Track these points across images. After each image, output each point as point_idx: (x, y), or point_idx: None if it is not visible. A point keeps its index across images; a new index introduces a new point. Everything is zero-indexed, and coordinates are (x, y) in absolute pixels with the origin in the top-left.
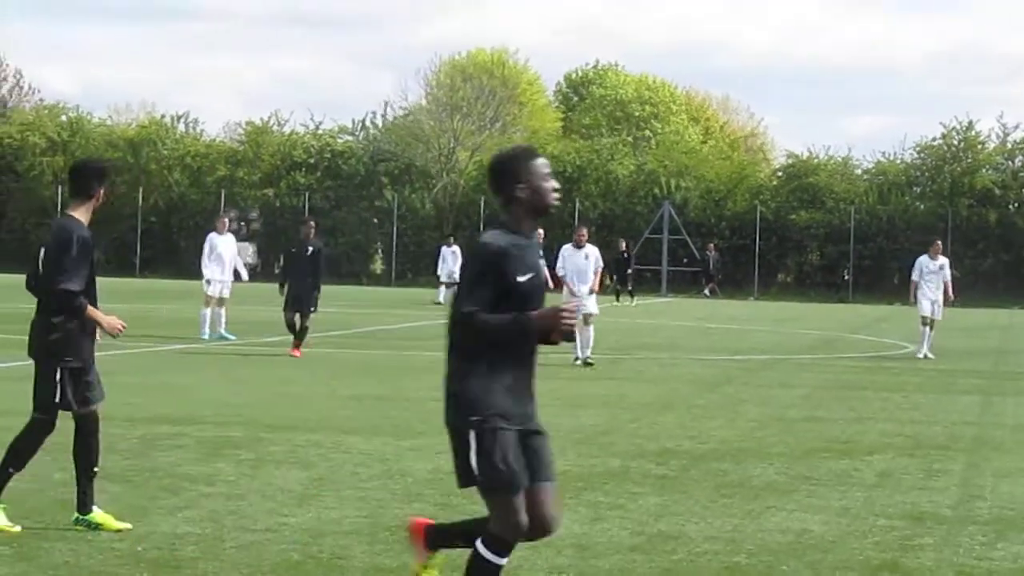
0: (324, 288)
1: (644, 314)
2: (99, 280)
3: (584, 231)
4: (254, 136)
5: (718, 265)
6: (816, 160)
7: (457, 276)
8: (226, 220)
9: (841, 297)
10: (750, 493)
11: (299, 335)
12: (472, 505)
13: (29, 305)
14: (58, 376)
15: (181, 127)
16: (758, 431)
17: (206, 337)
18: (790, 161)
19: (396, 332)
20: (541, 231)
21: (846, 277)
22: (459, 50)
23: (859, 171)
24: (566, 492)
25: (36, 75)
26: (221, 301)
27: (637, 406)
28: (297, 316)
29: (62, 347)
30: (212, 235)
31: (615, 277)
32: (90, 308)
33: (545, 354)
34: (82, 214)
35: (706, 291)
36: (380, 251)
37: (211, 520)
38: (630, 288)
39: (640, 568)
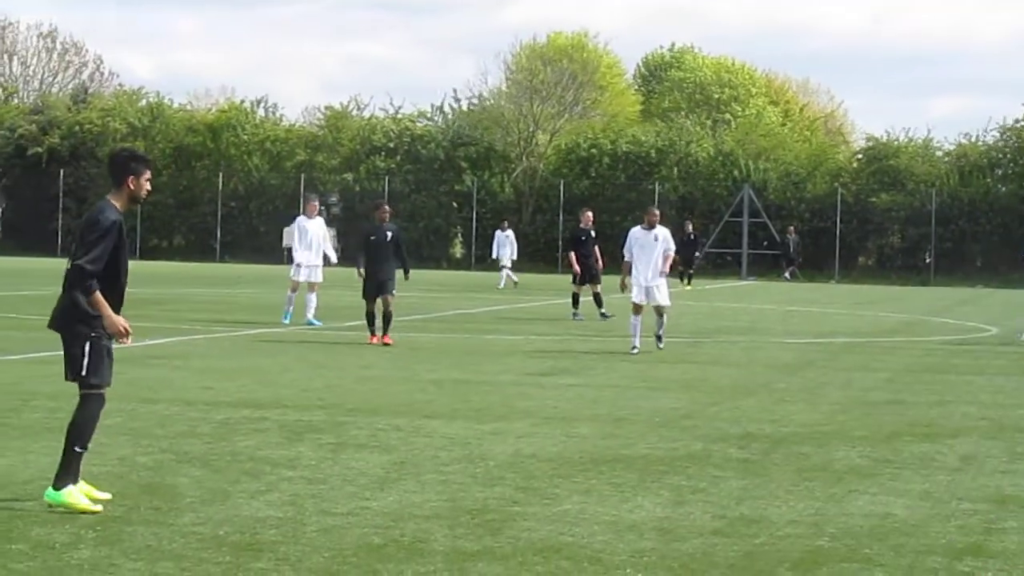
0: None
1: (725, 298)
2: (179, 264)
3: (656, 212)
4: (334, 121)
5: (798, 248)
6: (896, 142)
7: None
8: (316, 204)
9: (922, 280)
10: (832, 477)
11: (386, 321)
12: (554, 489)
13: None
14: (87, 347)
15: (261, 112)
16: (840, 414)
17: (287, 321)
18: (870, 143)
19: (475, 316)
20: (590, 213)
21: (927, 260)
22: (538, 34)
23: (940, 153)
24: (648, 475)
25: (116, 60)
26: (311, 286)
27: (718, 390)
28: (379, 301)
29: (93, 319)
30: (301, 219)
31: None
32: (98, 296)
33: (625, 337)
34: (118, 200)
35: (786, 274)
36: (460, 235)
37: (292, 504)
38: (691, 271)
39: (722, 551)
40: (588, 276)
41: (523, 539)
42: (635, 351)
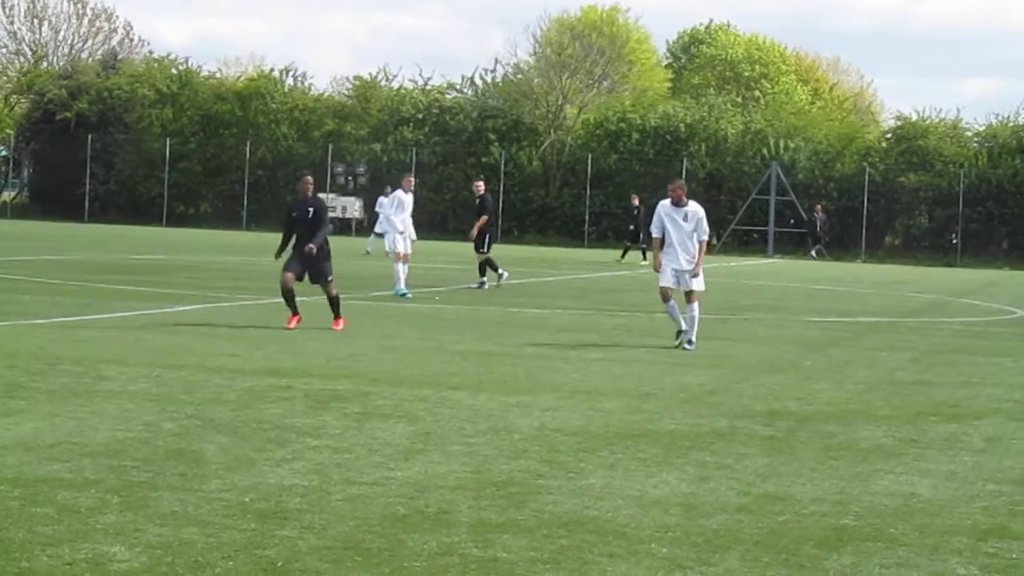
0: (434, 244)
1: (751, 275)
2: (206, 232)
3: (682, 185)
4: (362, 91)
5: (825, 227)
6: (926, 122)
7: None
8: (411, 179)
9: (949, 261)
10: (858, 456)
11: (334, 305)
12: (579, 463)
13: (138, 256)
14: None
15: (289, 80)
16: (866, 393)
17: (405, 293)
18: (899, 123)
19: (501, 288)
20: (480, 183)
21: (954, 241)
22: (570, 7)
23: (969, 134)
24: (673, 451)
25: (147, 27)
26: (407, 257)
27: (744, 366)
28: (316, 285)
29: None
30: (400, 193)
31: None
32: None
33: (651, 313)
34: None
35: (813, 253)
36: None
37: (317, 472)
38: (628, 244)
39: (747, 528)
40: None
41: (548, 512)
42: (684, 336)
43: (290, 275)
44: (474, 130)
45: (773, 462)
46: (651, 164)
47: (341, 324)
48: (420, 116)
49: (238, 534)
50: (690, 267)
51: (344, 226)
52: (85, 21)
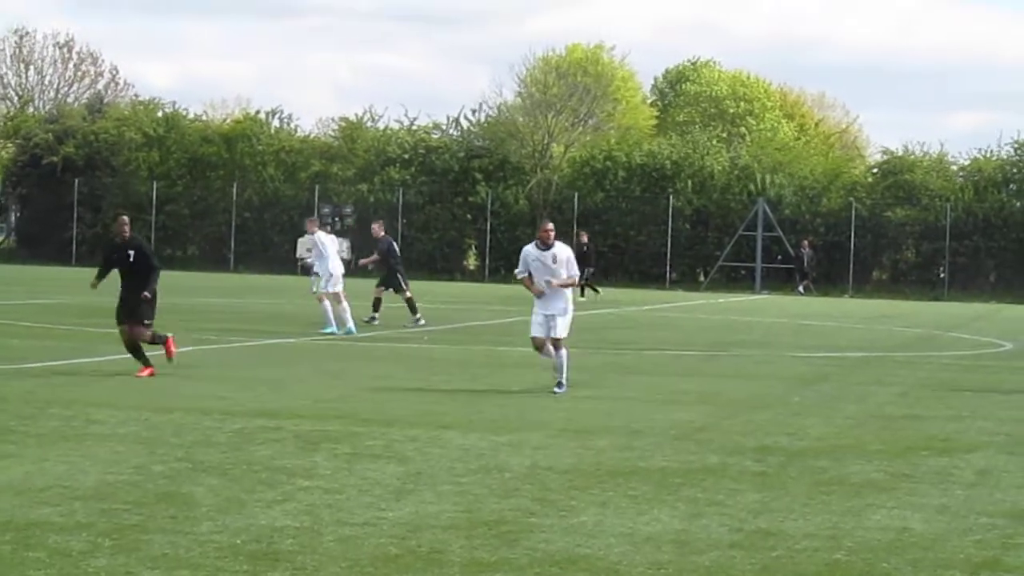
0: (421, 284)
1: (739, 311)
2: (193, 275)
3: (550, 226)
4: (348, 131)
5: (812, 262)
6: (912, 156)
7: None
8: (313, 220)
9: (936, 295)
10: (849, 490)
11: (137, 353)
12: (570, 501)
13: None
14: None
15: (276, 122)
16: (856, 428)
17: (334, 331)
18: (885, 158)
19: (490, 328)
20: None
21: (941, 275)
22: (557, 46)
23: (955, 168)
24: (664, 488)
25: (132, 70)
26: (326, 296)
27: (733, 403)
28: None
29: None
30: (321, 234)
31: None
32: None
33: (640, 351)
34: None
35: (800, 288)
36: (474, 247)
37: (309, 513)
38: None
39: (739, 564)
40: (394, 283)
41: (540, 551)
42: (561, 390)
43: (125, 327)
44: (460, 170)
45: (765, 498)
46: (638, 201)
47: (147, 372)
48: (406, 156)
49: None
50: (558, 307)
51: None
52: (71, 65)
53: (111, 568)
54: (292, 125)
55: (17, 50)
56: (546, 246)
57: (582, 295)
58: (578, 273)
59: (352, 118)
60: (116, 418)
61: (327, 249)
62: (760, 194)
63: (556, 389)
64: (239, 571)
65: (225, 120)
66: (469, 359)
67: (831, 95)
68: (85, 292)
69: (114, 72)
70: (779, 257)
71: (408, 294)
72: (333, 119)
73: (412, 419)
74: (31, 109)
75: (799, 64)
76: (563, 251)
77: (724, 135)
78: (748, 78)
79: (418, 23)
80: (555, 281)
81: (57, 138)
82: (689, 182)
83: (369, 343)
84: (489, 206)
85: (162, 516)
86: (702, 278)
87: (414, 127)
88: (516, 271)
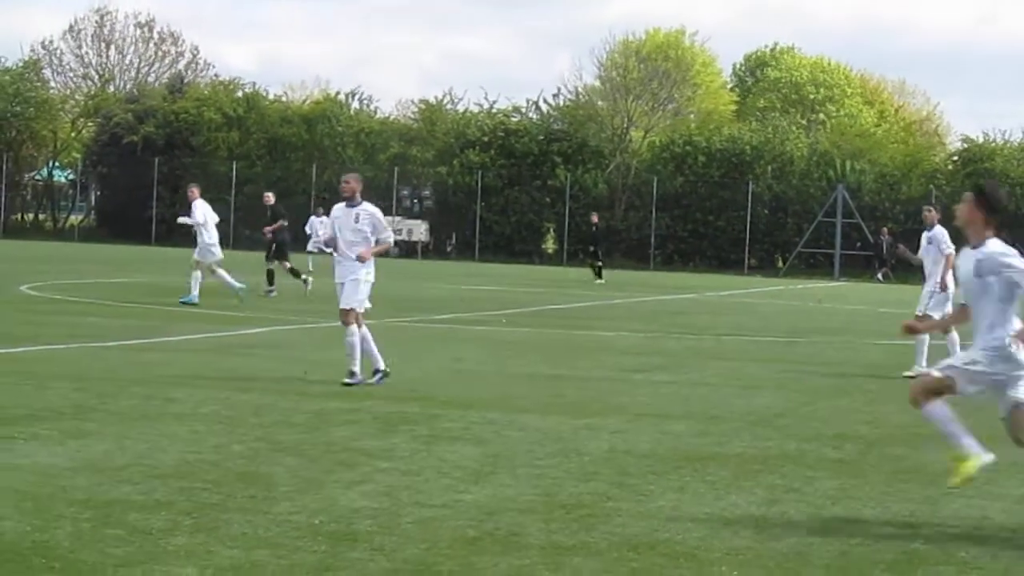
0: (500, 267)
1: (816, 297)
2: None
3: (350, 178)
4: (428, 114)
5: (892, 249)
6: (993, 144)
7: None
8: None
9: None
10: (927, 479)
11: None
12: (648, 485)
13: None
14: None
15: (355, 104)
16: None
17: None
18: (965, 145)
19: (568, 311)
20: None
21: None
22: (637, 29)
23: None
24: (742, 474)
25: (213, 51)
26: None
27: (812, 389)
28: None
29: None
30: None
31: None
32: None
33: (718, 336)
34: None
35: (879, 275)
36: (552, 230)
37: (387, 495)
38: (599, 264)
39: (817, 551)
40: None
41: (618, 534)
42: (355, 380)
43: None
44: (539, 153)
45: (843, 485)
46: (717, 187)
47: None
48: (485, 139)
49: (308, 556)
50: (353, 275)
51: (410, 249)
52: (152, 45)
53: (190, 546)
54: (372, 107)
55: (98, 29)
56: (350, 203)
57: (599, 278)
58: (391, 239)
59: (432, 100)
60: (195, 397)
61: (201, 216)
62: (839, 180)
63: (346, 379)
64: (317, 551)
65: (305, 101)
66: (547, 343)
67: (912, 82)
68: (165, 271)
69: (195, 52)
70: (858, 244)
71: (289, 264)
72: (413, 101)
73: (490, 402)
74: (111, 88)
75: (880, 50)
76: (367, 210)
77: (803, 121)
78: (829, 64)
79: (498, 5)
80: (363, 251)
81: (137, 117)
82: (768, 168)
83: (445, 325)
84: (568, 190)
85: (241, 495)
86: (780, 264)
87: (493, 110)
88: (322, 235)
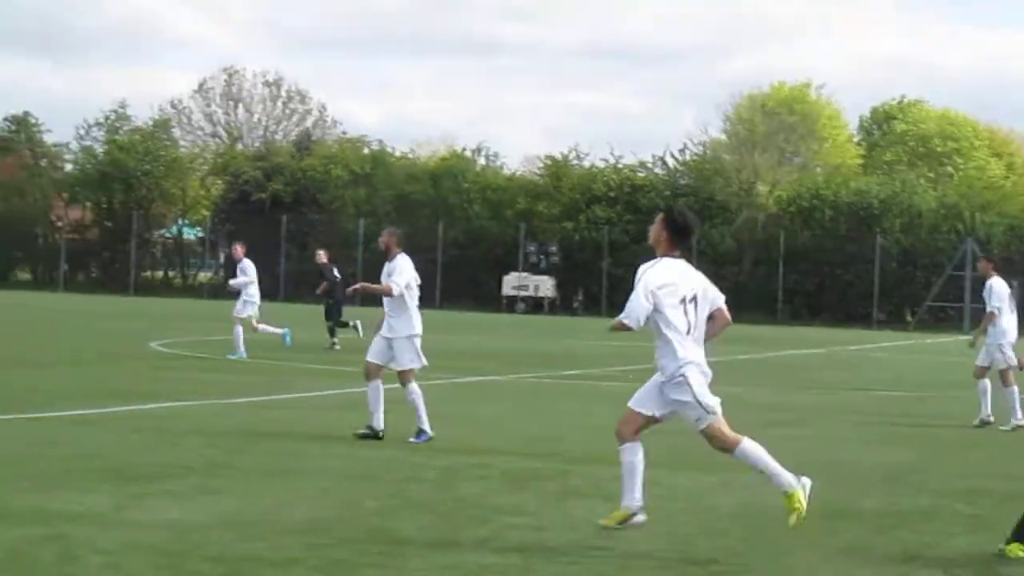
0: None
1: (948, 352)
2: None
3: (385, 233)
4: (554, 170)
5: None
6: None
7: None
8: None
9: None
10: None
11: None
12: (779, 541)
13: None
14: None
15: (481, 160)
16: None
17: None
18: None
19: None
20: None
21: None
22: (761, 84)
23: None
24: (875, 529)
25: (340, 108)
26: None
27: (943, 444)
28: None
29: None
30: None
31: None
32: None
33: (850, 391)
34: None
35: None
36: None
37: (518, 551)
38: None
39: None
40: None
41: None
42: (423, 438)
43: None
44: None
45: (978, 540)
46: (844, 240)
47: None
48: (612, 194)
49: None
50: (391, 335)
51: (537, 305)
52: (279, 103)
53: None
54: (498, 163)
55: (227, 88)
56: (388, 258)
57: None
58: (399, 284)
59: (557, 156)
60: (324, 453)
61: (253, 274)
62: (969, 233)
63: (412, 439)
64: None
65: (431, 158)
66: None
67: None
68: (291, 328)
69: (322, 110)
70: None
71: (330, 323)
72: (539, 157)
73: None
74: (240, 146)
75: (1008, 102)
76: (395, 262)
77: (931, 174)
78: (956, 116)
79: (622, 61)
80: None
81: (265, 175)
82: (897, 221)
83: (570, 381)
84: (695, 244)
85: (372, 552)
86: (909, 318)
87: (619, 165)
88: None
